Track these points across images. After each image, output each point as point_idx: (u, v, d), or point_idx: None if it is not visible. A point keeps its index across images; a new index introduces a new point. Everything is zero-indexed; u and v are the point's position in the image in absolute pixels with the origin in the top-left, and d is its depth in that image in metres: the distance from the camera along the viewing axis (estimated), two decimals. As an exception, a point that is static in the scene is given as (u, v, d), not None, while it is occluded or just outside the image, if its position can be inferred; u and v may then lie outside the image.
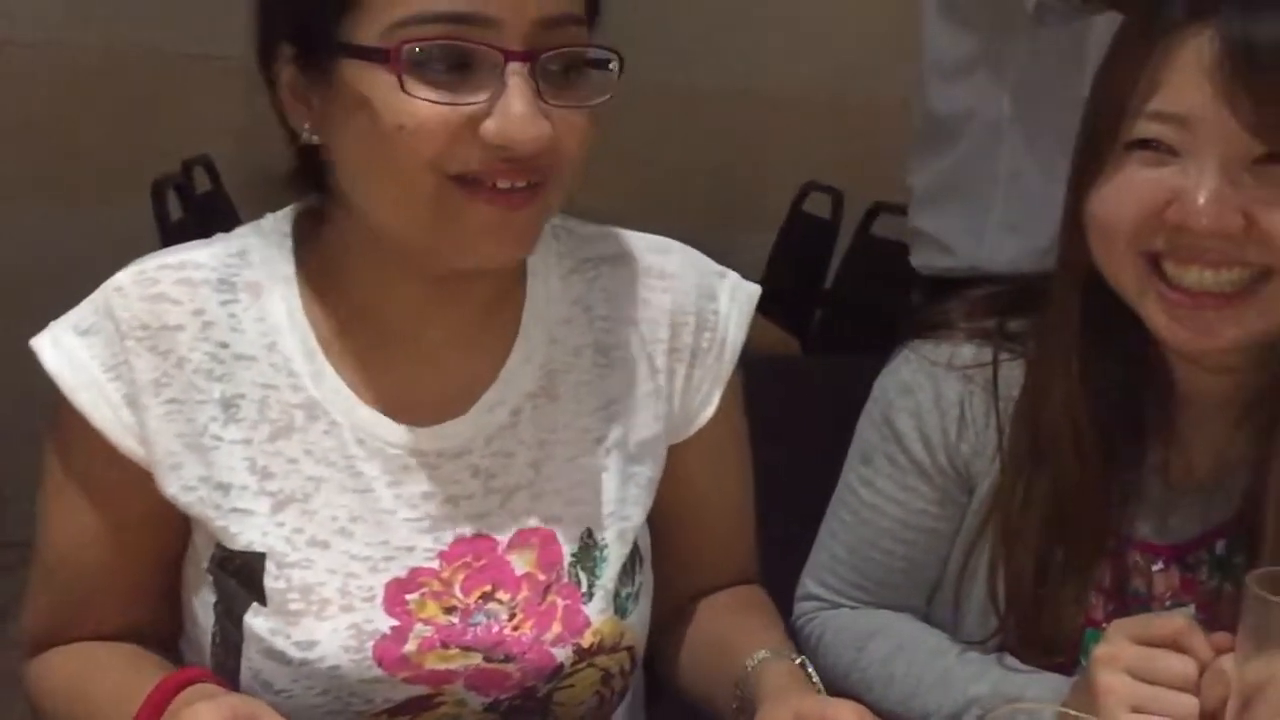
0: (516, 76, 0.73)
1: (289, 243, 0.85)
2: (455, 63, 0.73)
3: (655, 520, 0.92)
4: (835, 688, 0.92)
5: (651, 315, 0.90)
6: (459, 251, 0.78)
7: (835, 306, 3.08)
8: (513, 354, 0.86)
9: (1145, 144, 0.84)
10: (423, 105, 0.72)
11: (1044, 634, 0.92)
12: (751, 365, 1.35)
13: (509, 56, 0.73)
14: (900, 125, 3.85)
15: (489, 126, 0.73)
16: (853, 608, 1.01)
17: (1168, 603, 0.93)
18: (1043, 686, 0.88)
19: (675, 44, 3.68)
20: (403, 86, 0.72)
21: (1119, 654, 0.78)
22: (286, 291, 0.83)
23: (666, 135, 3.72)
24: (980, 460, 0.95)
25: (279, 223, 0.86)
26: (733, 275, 0.95)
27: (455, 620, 0.82)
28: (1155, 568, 0.93)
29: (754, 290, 0.95)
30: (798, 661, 0.86)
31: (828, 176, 3.42)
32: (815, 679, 0.85)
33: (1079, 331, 0.90)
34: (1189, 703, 0.76)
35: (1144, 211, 0.84)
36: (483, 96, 0.73)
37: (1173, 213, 0.83)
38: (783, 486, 1.19)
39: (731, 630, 0.93)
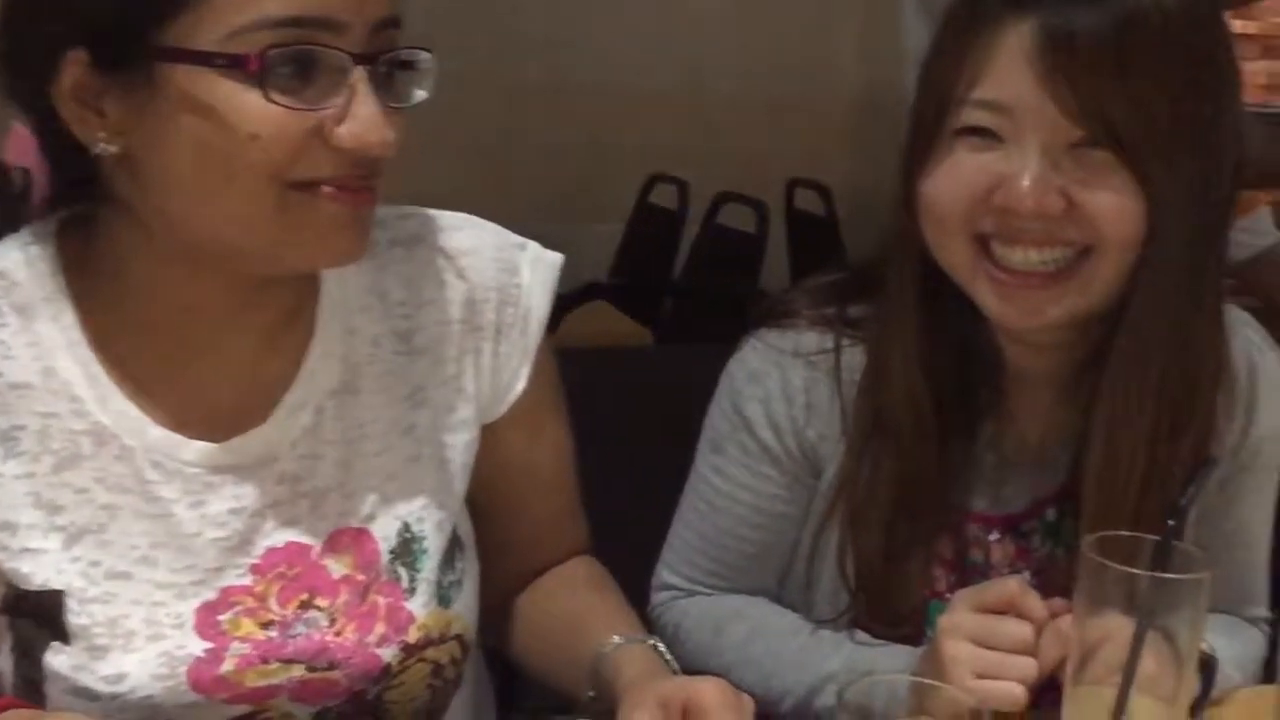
0: (363, 81, 0.72)
1: (55, 259, 0.79)
2: (304, 68, 0.71)
3: (478, 502, 0.91)
4: (695, 673, 0.92)
5: (450, 296, 0.88)
6: (307, 254, 0.76)
7: (684, 296, 3.12)
8: (310, 351, 0.83)
9: (972, 131, 0.87)
10: (279, 112, 0.70)
11: (891, 608, 0.95)
12: (603, 356, 1.35)
13: (356, 60, 0.71)
14: (743, 117, 3.95)
15: (343, 132, 0.72)
16: (708, 594, 1.02)
17: (1005, 571, 0.96)
18: (892, 659, 0.91)
19: (521, 38, 3.66)
20: (265, 94, 0.70)
21: (961, 623, 0.82)
22: (59, 311, 0.78)
23: (513, 127, 3.71)
24: (826, 444, 0.97)
25: (39, 238, 0.80)
26: (533, 246, 0.92)
27: (274, 634, 0.80)
28: (992, 538, 0.96)
29: (556, 259, 0.92)
30: (650, 644, 0.86)
31: (673, 168, 3.45)
32: (671, 661, 0.85)
33: (915, 315, 0.93)
34: (1028, 664, 0.80)
35: (972, 195, 0.87)
36: (335, 101, 0.71)
37: (999, 196, 0.86)
38: (634, 476, 1.20)
39: (579, 613, 0.92)
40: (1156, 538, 0.75)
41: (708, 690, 0.75)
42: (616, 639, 0.85)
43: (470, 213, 0.92)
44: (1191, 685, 0.80)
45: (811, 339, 0.97)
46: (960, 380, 0.94)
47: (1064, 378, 0.95)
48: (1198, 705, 0.85)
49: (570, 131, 3.74)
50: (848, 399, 0.96)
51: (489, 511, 0.92)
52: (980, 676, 0.79)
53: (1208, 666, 0.87)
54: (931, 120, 0.89)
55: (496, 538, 0.93)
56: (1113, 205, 0.85)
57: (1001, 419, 0.96)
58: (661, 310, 2.88)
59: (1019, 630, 0.81)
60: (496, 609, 0.95)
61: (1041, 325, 0.90)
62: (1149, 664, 0.72)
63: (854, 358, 0.96)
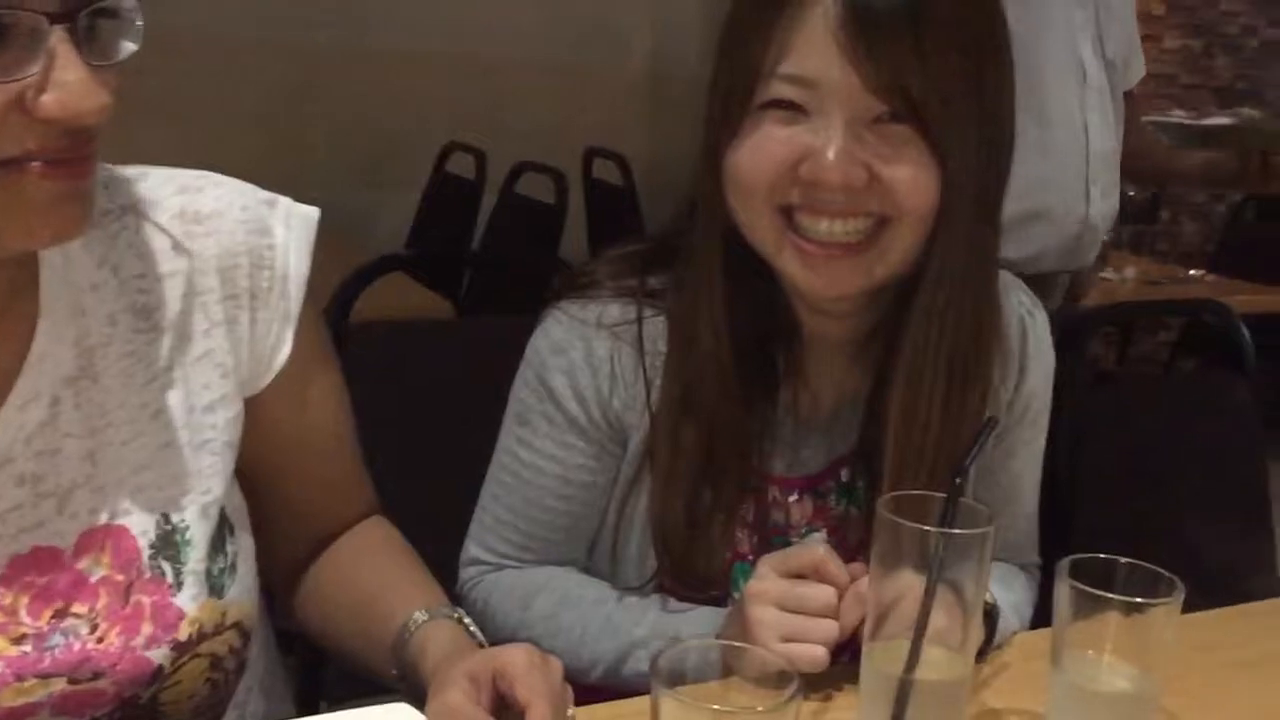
0: (63, 43, 0.64)
1: None
2: None
3: (251, 475, 0.86)
4: (509, 638, 0.92)
5: (194, 264, 0.81)
6: (23, 235, 0.68)
7: (484, 267, 3.08)
8: (37, 337, 0.75)
9: (778, 104, 0.89)
10: None
11: (697, 572, 0.97)
12: (403, 330, 1.32)
13: (51, 19, 0.63)
14: (540, 86, 3.91)
15: (47, 102, 0.64)
16: (517, 567, 1.01)
17: (803, 529, 0.99)
18: (697, 622, 0.93)
19: (310, 0, 3.52)
20: None
21: (767, 589, 0.84)
22: None
23: (303, 94, 3.56)
24: (631, 413, 0.97)
25: None
26: (284, 201, 0.86)
27: (28, 649, 0.73)
28: (791, 499, 0.99)
29: (311, 214, 0.87)
30: (455, 618, 0.84)
31: (470, 137, 3.39)
32: (477, 634, 0.84)
33: (719, 284, 0.94)
34: (830, 627, 0.83)
35: (779, 168, 0.89)
36: (33, 69, 0.63)
37: (806, 169, 0.88)
38: (439, 450, 1.18)
39: (377, 586, 0.89)
40: (944, 495, 0.78)
41: (515, 656, 0.74)
42: (419, 615, 0.83)
43: (256, 183, 0.87)
44: (978, 634, 0.84)
45: (614, 310, 0.97)
46: (760, 347, 0.96)
47: (855, 342, 0.99)
48: (982, 652, 0.91)
49: (364, 98, 3.63)
50: (651, 369, 0.97)
51: (264, 483, 0.88)
52: (785, 640, 0.82)
53: (991, 616, 0.93)
54: (737, 94, 0.90)
55: (275, 509, 0.89)
56: (911, 177, 0.88)
57: (798, 384, 0.99)
58: (462, 282, 2.83)
59: (822, 595, 0.84)
60: (286, 585, 0.91)
61: (846, 293, 0.92)
62: (939, 617, 0.75)
63: (656, 328, 0.97)
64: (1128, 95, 1.52)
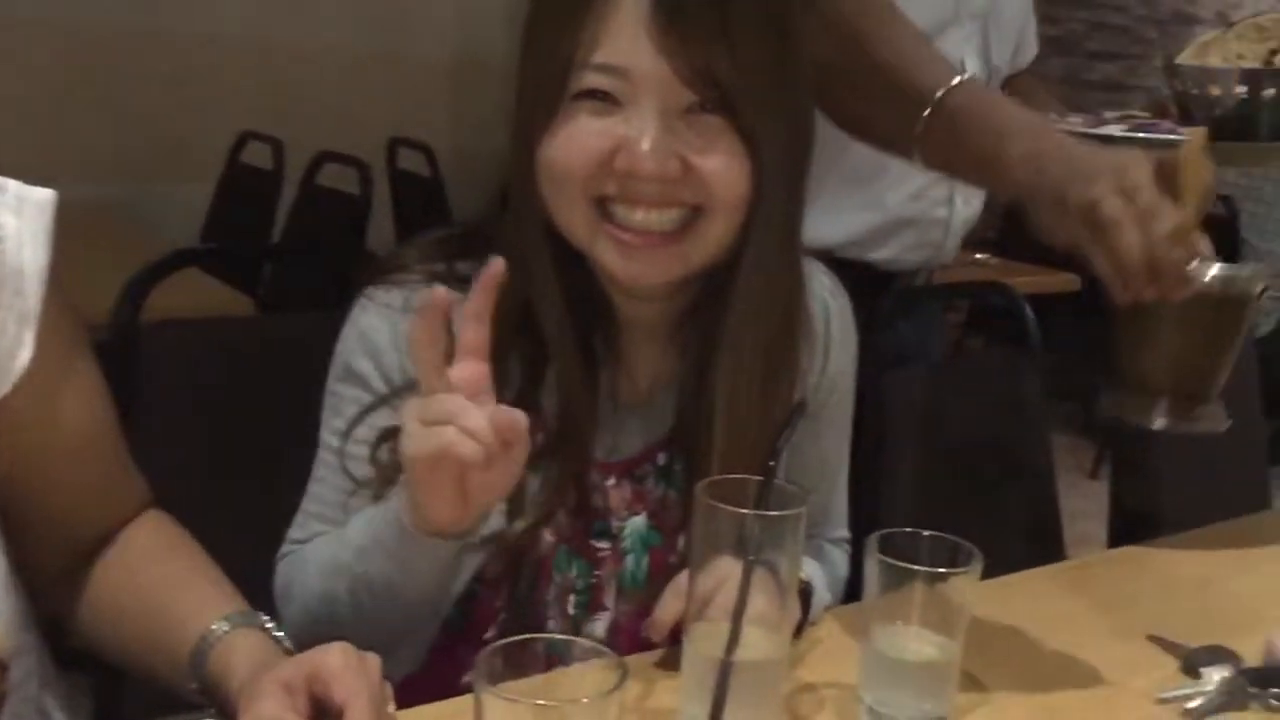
0: None
1: None
2: None
3: (2, 488, 0.80)
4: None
5: None
6: None
7: (285, 261, 2.97)
8: None
9: (590, 94, 0.88)
10: None
11: (525, 557, 0.96)
12: (199, 328, 1.26)
13: None
14: (340, 74, 3.80)
15: None
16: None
17: (623, 514, 0.99)
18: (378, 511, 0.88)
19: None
20: None
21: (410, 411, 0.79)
22: None
23: (86, 79, 3.35)
24: None
25: None
26: (13, 185, 0.79)
27: None
28: (609, 484, 0.99)
29: (46, 198, 0.80)
30: (260, 625, 0.80)
31: (266, 125, 3.27)
32: (284, 640, 0.81)
33: (534, 273, 0.93)
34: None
35: (594, 160, 0.88)
36: None
37: (621, 160, 0.88)
38: (240, 454, 1.12)
39: (168, 594, 0.84)
40: (759, 478, 0.80)
41: (329, 657, 0.72)
42: (220, 625, 0.79)
43: (26, 175, 0.80)
44: (794, 613, 0.87)
45: (424, 294, 0.95)
46: (576, 333, 0.96)
47: (669, 327, 1.00)
48: (798, 629, 0.93)
49: (152, 84, 3.45)
50: None
51: (18, 494, 0.81)
52: (431, 425, 0.77)
53: (806, 594, 0.95)
54: (548, 84, 0.89)
55: (31, 520, 0.82)
56: (724, 167, 0.89)
57: (616, 368, 0.99)
58: (261, 276, 2.72)
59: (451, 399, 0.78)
60: (61, 600, 0.85)
61: (659, 283, 0.93)
62: (757, 598, 0.77)
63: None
64: (1024, 75, 1.56)
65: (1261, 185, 3.75)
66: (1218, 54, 1.16)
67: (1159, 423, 0.86)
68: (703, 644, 0.79)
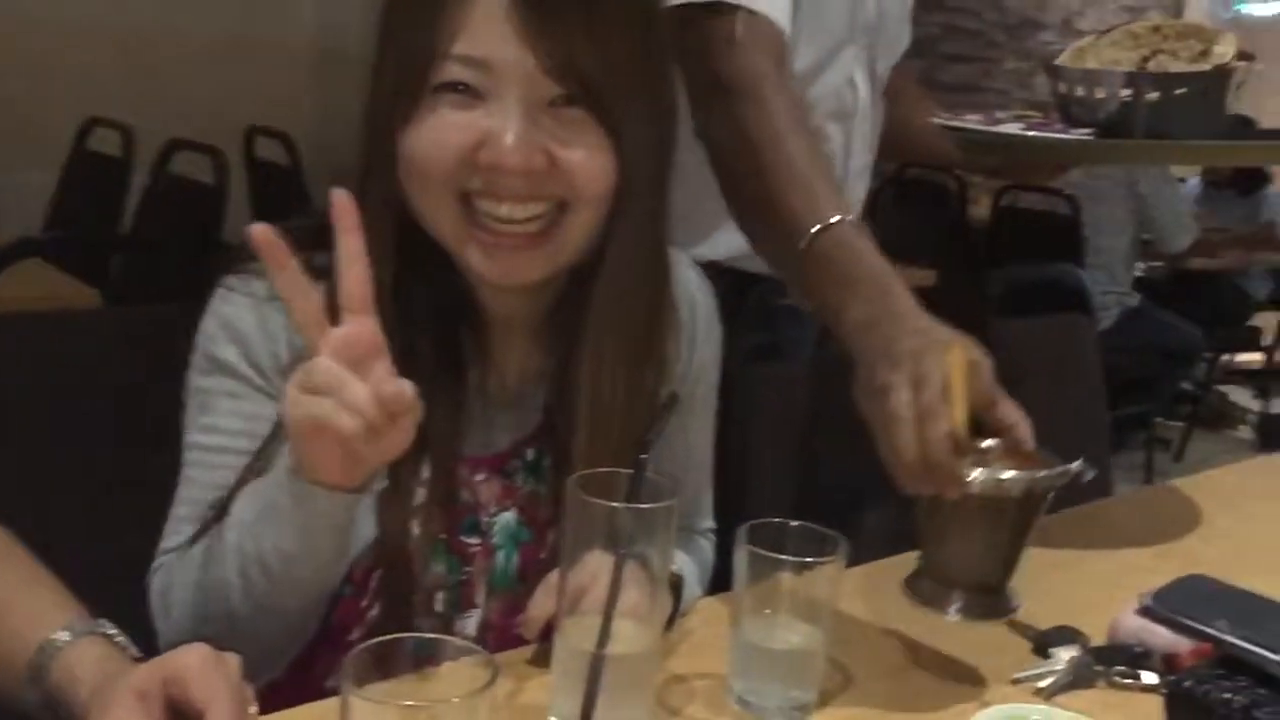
0: None
1: None
2: None
3: None
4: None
5: None
6: None
7: (135, 252, 2.85)
8: None
9: (452, 87, 0.87)
10: None
11: (394, 553, 0.93)
12: (44, 321, 1.20)
13: None
14: (193, 59, 3.67)
15: None
16: None
17: (493, 509, 0.98)
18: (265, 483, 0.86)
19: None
20: None
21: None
22: None
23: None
24: None
25: None
26: None
27: None
28: (479, 479, 0.98)
29: None
30: (104, 633, 0.77)
31: (114, 111, 3.13)
32: (129, 646, 0.77)
33: (394, 268, 0.91)
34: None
35: (458, 154, 0.87)
36: None
37: (485, 154, 0.86)
38: (86, 452, 1.07)
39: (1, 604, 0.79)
40: (629, 471, 0.80)
41: (186, 659, 0.69)
42: (61, 635, 0.75)
43: None
44: (665, 605, 0.87)
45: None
46: (443, 328, 0.94)
47: (537, 321, 0.99)
48: (670, 621, 0.94)
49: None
50: None
51: None
52: (314, 393, 0.76)
53: (677, 586, 0.96)
54: (408, 75, 0.87)
55: None
56: (589, 161, 0.88)
57: (485, 363, 0.98)
58: (110, 268, 2.61)
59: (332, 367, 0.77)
60: None
61: (527, 282, 0.92)
62: (629, 591, 0.77)
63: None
64: (905, 79, 1.57)
65: (1100, 185, 3.93)
66: (1093, 59, 1.21)
67: (953, 614, 0.90)
68: (574, 638, 0.79)
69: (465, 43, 0.85)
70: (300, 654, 0.92)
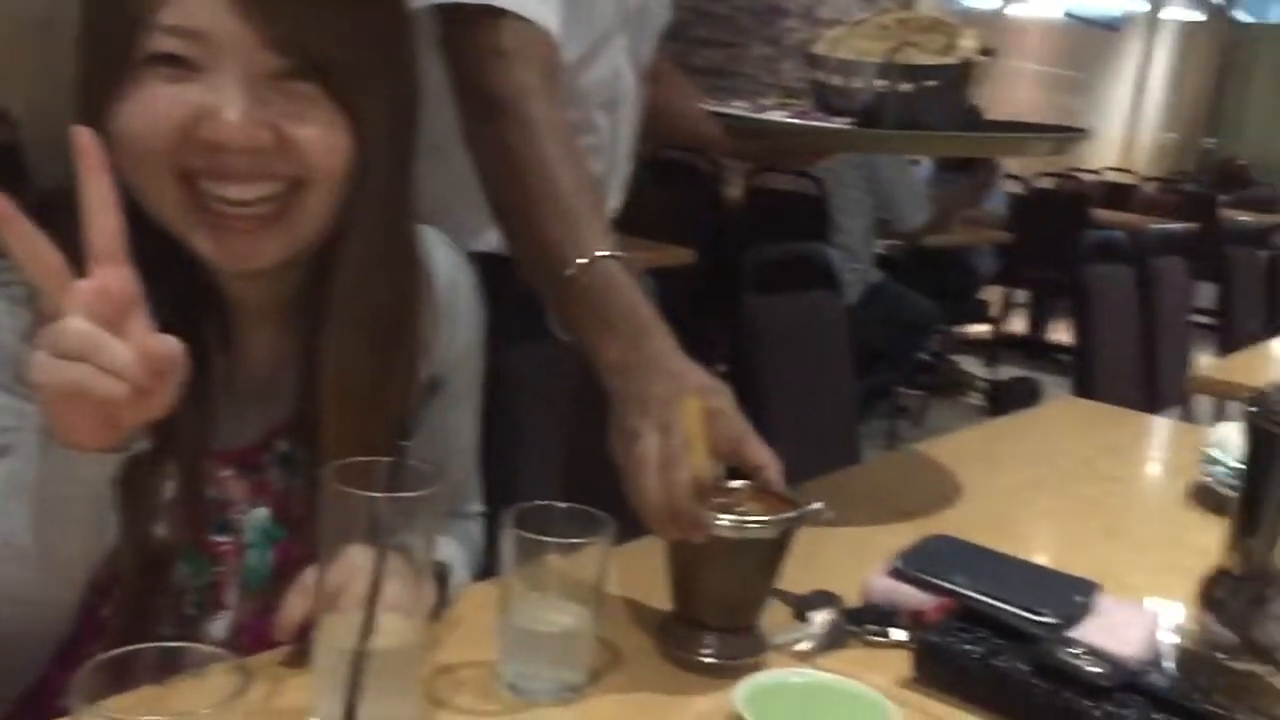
0: None
1: None
2: None
3: None
4: None
5: None
6: None
7: None
8: None
9: (164, 59, 0.81)
10: None
11: (137, 558, 0.87)
12: None
13: None
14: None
15: None
16: None
17: (244, 506, 0.93)
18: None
19: None
20: None
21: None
22: None
23: None
24: None
25: None
26: None
27: None
28: (228, 474, 0.93)
29: None
30: None
31: None
32: None
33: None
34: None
35: (174, 131, 0.81)
36: None
37: (205, 130, 0.81)
38: None
39: None
40: (390, 459, 0.77)
41: None
42: None
43: None
44: (431, 595, 0.85)
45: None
46: (184, 317, 0.88)
47: (282, 308, 0.94)
48: (438, 611, 0.91)
49: None
50: None
51: None
52: (68, 357, 0.70)
53: (443, 575, 0.94)
54: (113, 46, 0.80)
55: None
56: (321, 137, 0.84)
57: (229, 353, 0.92)
58: None
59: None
60: None
61: (262, 266, 0.88)
62: (392, 583, 0.74)
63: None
64: (666, 65, 1.56)
65: (842, 168, 4.12)
66: (846, 49, 1.25)
67: (707, 657, 0.90)
68: (334, 635, 0.76)
69: (174, 11, 0.80)
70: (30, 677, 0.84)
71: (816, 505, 0.91)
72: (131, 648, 0.62)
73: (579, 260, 1.00)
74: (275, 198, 0.84)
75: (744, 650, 0.92)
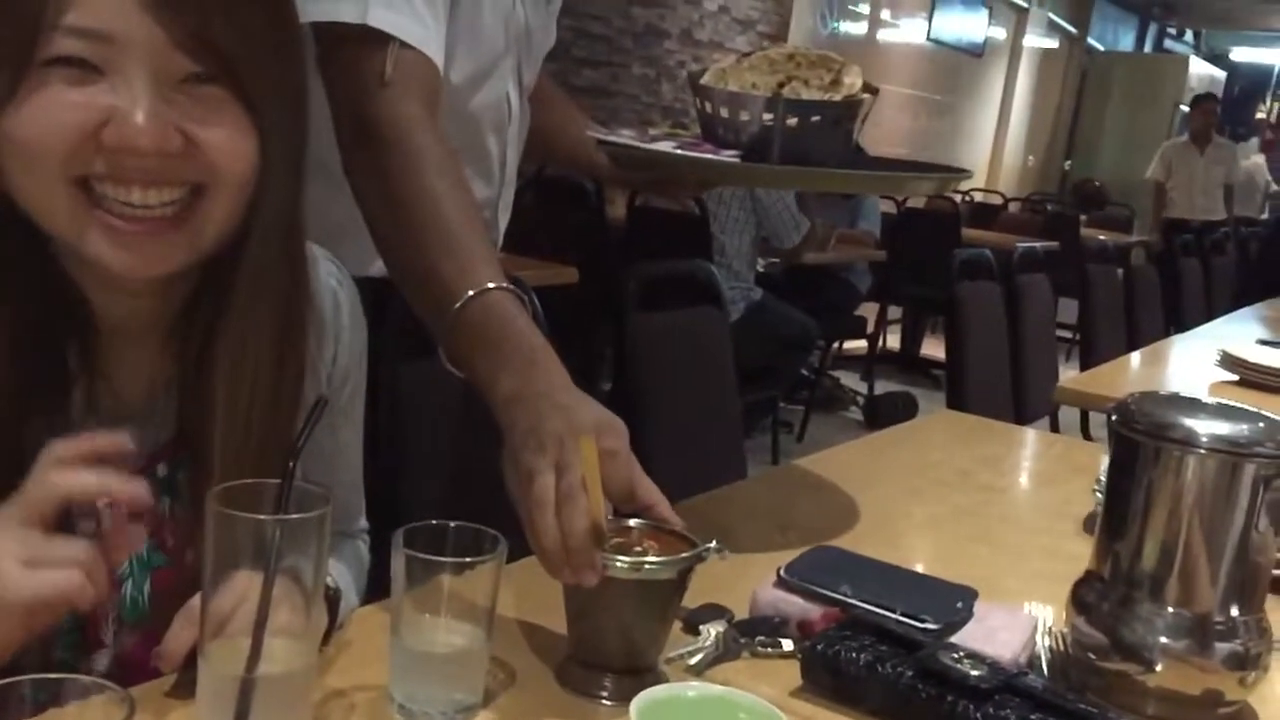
0: None
1: None
2: None
3: None
4: None
5: None
6: None
7: None
8: None
9: (66, 61, 0.78)
10: None
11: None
12: None
13: None
14: None
15: None
16: None
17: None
18: None
19: None
20: None
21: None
22: None
23: None
24: None
25: None
26: None
27: None
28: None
29: None
30: None
31: None
32: None
33: None
34: (78, 545, 0.75)
35: (76, 135, 0.78)
36: None
37: (110, 134, 0.79)
38: None
39: None
40: (277, 481, 0.76)
41: None
42: None
43: None
44: (321, 620, 0.83)
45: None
46: (44, 339, 0.85)
47: (163, 327, 0.91)
48: (327, 636, 0.90)
49: None
50: None
51: None
52: (29, 565, 0.73)
53: (334, 600, 0.92)
54: (9, 49, 0.77)
55: None
56: (229, 140, 0.83)
57: (95, 376, 0.89)
58: None
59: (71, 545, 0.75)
60: None
61: (164, 272, 0.85)
62: (280, 608, 0.73)
63: None
64: (549, 87, 1.55)
65: (723, 189, 4.19)
66: (734, 82, 1.26)
67: (606, 700, 0.90)
68: (221, 662, 0.74)
69: (79, 13, 0.77)
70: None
71: (711, 544, 0.91)
72: (5, 680, 0.60)
73: (469, 293, 0.99)
74: (177, 202, 0.82)
75: (644, 689, 0.92)
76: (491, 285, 1.00)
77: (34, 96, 0.78)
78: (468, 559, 0.83)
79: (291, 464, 0.76)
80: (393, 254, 1.09)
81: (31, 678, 0.63)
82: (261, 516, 0.73)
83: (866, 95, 1.26)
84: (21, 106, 0.78)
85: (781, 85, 1.24)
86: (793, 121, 1.21)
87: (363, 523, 1.13)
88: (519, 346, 0.98)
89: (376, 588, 1.04)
